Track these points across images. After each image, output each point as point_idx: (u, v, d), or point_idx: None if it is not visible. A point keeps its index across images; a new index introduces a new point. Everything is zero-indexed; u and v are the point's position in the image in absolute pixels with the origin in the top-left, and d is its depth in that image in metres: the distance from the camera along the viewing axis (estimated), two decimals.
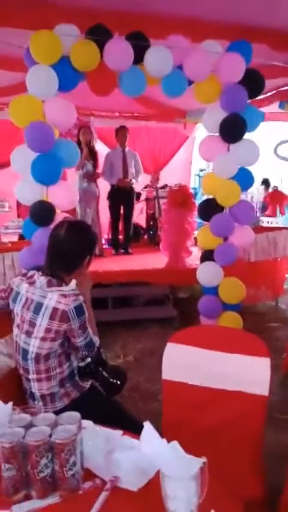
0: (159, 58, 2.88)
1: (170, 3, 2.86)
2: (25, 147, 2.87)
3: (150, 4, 2.90)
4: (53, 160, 2.89)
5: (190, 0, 2.85)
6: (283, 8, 2.97)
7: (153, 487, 1.03)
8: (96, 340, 1.83)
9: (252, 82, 3.09)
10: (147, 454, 1.15)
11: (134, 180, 5.59)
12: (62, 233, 1.78)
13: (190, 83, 3.08)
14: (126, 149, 5.61)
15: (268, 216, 7.75)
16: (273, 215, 8.03)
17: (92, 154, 5.33)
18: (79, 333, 1.69)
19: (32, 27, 2.70)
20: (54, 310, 1.64)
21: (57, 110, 2.88)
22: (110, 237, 5.92)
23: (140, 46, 2.84)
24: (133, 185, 5.63)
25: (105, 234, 6.15)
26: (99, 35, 2.78)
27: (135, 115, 6.54)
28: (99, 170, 5.43)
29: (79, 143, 4.94)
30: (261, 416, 1.57)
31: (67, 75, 2.81)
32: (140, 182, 6.00)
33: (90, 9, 2.89)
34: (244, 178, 3.26)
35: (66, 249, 1.77)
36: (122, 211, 5.74)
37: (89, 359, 1.85)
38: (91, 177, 5.25)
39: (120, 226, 5.95)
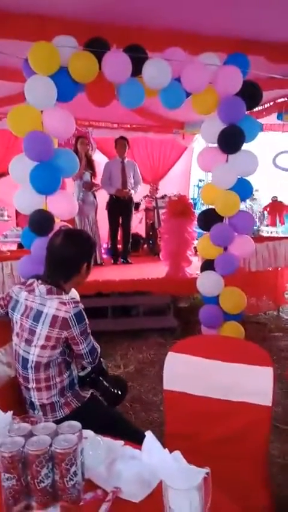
0: (157, 70, 2.91)
1: (168, 17, 2.91)
2: (24, 156, 2.88)
3: (148, 18, 2.94)
4: (51, 169, 2.90)
5: (188, 13, 2.90)
6: (280, 21, 3.01)
7: (156, 498, 1.02)
8: (98, 346, 1.82)
9: (250, 94, 3.12)
10: (149, 464, 1.13)
11: (132, 191, 5.61)
12: (58, 241, 1.79)
13: (188, 94, 3.10)
14: (126, 159, 5.64)
15: (268, 225, 7.77)
16: (273, 225, 8.06)
17: (90, 164, 5.36)
18: (81, 340, 1.69)
19: (31, 38, 2.73)
20: (54, 317, 1.63)
21: (55, 120, 2.89)
22: (110, 246, 5.93)
23: (138, 58, 2.87)
24: (132, 196, 5.65)
25: (104, 244, 6.15)
26: (97, 47, 2.80)
27: (134, 126, 6.59)
28: (98, 180, 5.44)
29: (76, 152, 4.96)
30: (265, 426, 1.54)
31: (66, 86, 2.83)
32: (139, 193, 6.02)
33: (88, 22, 2.93)
34: (243, 188, 3.26)
35: (63, 256, 1.78)
36: (120, 221, 5.76)
37: (89, 368, 1.83)
38: (89, 187, 5.27)
39: (119, 236, 5.96)
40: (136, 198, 6.05)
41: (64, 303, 1.64)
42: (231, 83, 3.04)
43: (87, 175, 5.23)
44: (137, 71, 2.90)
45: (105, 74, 2.84)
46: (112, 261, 5.70)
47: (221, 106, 3.11)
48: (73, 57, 2.77)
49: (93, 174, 5.37)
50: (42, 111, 2.85)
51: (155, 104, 3.26)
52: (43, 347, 1.64)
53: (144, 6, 2.79)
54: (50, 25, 2.87)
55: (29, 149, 2.83)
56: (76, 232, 2.03)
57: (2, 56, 2.85)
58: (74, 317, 1.63)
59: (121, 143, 5.58)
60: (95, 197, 5.39)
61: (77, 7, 2.76)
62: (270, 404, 1.52)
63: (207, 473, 0.97)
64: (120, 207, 5.60)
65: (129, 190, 5.55)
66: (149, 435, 1.16)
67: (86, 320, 1.70)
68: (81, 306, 1.68)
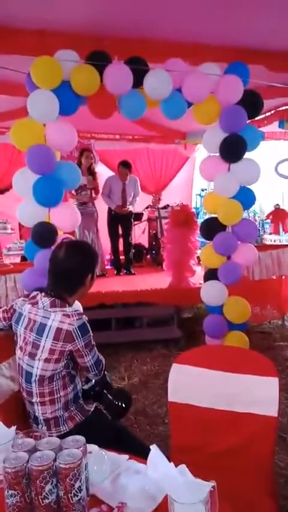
0: (158, 81, 2.93)
1: (168, 28, 2.95)
2: (27, 169, 2.90)
3: (148, 29, 2.98)
4: (54, 182, 2.92)
5: (187, 24, 2.93)
6: (279, 30, 3.05)
7: None
8: (102, 358, 1.81)
9: (251, 103, 3.13)
10: (155, 478, 1.12)
11: (131, 206, 5.67)
12: (61, 254, 1.78)
13: (189, 104, 3.13)
14: (127, 180, 5.64)
15: (271, 233, 7.75)
16: (276, 233, 8.04)
17: (93, 176, 5.38)
18: (86, 352, 1.68)
19: (33, 53, 2.77)
20: (58, 330, 1.62)
21: (58, 133, 2.92)
22: (112, 257, 5.94)
23: (139, 70, 2.90)
24: (130, 208, 5.71)
25: (107, 255, 6.16)
26: (98, 60, 2.84)
27: (136, 137, 6.64)
28: (100, 191, 5.47)
29: (79, 165, 4.98)
30: (271, 437, 1.52)
31: (68, 99, 2.86)
32: (141, 203, 6.06)
33: (89, 34, 2.97)
34: (245, 197, 3.26)
35: (67, 269, 1.77)
36: (120, 231, 5.82)
37: (93, 382, 1.82)
38: (90, 199, 5.29)
39: (121, 247, 5.98)
40: (139, 209, 6.08)
41: (68, 316, 1.64)
42: (232, 93, 3.06)
43: (85, 180, 5.22)
44: (138, 82, 2.93)
45: (107, 87, 2.87)
46: (115, 272, 5.70)
47: (222, 116, 3.13)
48: (75, 71, 2.80)
49: (96, 191, 5.38)
50: (44, 125, 2.88)
51: (157, 115, 3.28)
52: (47, 360, 1.63)
53: (145, 18, 2.84)
54: (51, 39, 2.91)
55: (31, 162, 2.85)
56: (78, 244, 2.03)
57: (5, 70, 2.89)
58: (78, 330, 1.63)
59: (122, 171, 5.54)
60: (95, 208, 5.40)
61: (77, 20, 2.81)
62: (276, 415, 1.50)
63: (213, 487, 0.96)
64: (119, 220, 5.70)
65: (128, 207, 5.62)
66: (154, 449, 1.15)
67: (91, 331, 1.69)
68: (85, 318, 1.67)
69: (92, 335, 1.70)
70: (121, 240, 5.89)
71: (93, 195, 5.34)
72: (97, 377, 1.80)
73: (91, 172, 5.39)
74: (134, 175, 5.91)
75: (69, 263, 1.77)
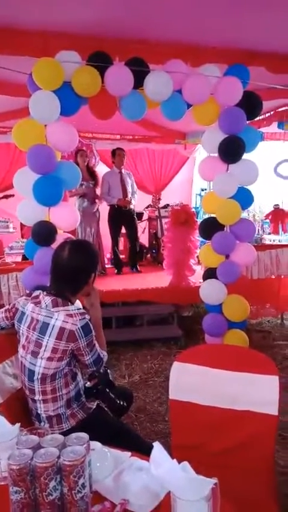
0: (159, 83, 2.95)
1: (169, 29, 2.95)
2: (28, 169, 2.92)
3: (149, 30, 2.99)
4: (54, 181, 2.93)
5: (188, 26, 2.94)
6: (279, 31, 3.06)
7: (164, 510, 1.01)
8: (104, 355, 1.82)
9: (250, 104, 3.16)
10: (157, 475, 1.13)
11: (133, 200, 5.65)
12: (65, 254, 1.78)
13: (189, 105, 3.14)
14: (123, 170, 5.67)
15: (270, 233, 7.76)
16: (276, 233, 8.05)
17: (92, 175, 5.39)
18: (87, 352, 1.70)
19: (35, 54, 2.79)
20: (61, 330, 1.63)
21: (59, 134, 2.93)
22: (113, 256, 5.94)
23: (140, 71, 2.91)
24: (132, 206, 5.69)
25: (108, 254, 6.17)
26: (100, 61, 2.85)
27: (136, 137, 6.64)
28: (98, 191, 5.48)
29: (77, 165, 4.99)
30: (271, 435, 1.54)
31: (69, 100, 2.88)
32: (141, 203, 6.05)
33: (90, 36, 2.98)
34: (244, 197, 3.29)
35: (72, 269, 1.78)
36: (122, 231, 5.81)
37: (96, 380, 1.83)
38: (91, 197, 5.30)
39: (121, 246, 5.97)
40: (139, 208, 6.08)
41: (71, 315, 1.65)
42: (231, 95, 3.08)
43: (88, 185, 5.25)
44: (138, 83, 2.94)
45: (108, 88, 2.89)
46: (116, 271, 5.71)
47: (222, 117, 3.14)
48: (76, 73, 2.81)
49: (96, 185, 5.40)
50: (46, 125, 2.89)
51: (157, 115, 3.30)
52: (49, 359, 1.65)
53: (145, 20, 2.85)
54: (53, 40, 2.92)
55: (32, 162, 2.87)
56: (82, 243, 2.02)
57: (7, 71, 2.90)
58: (81, 329, 1.64)
59: (119, 153, 5.59)
60: (97, 207, 5.41)
61: (79, 21, 2.81)
62: (276, 413, 1.52)
63: (215, 484, 0.97)
64: (122, 218, 5.63)
65: (131, 199, 5.59)
66: (157, 446, 1.16)
67: (93, 331, 1.70)
68: (87, 317, 1.69)
69: (94, 334, 1.72)
70: (121, 239, 5.89)
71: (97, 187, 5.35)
72: (96, 373, 1.82)
73: (90, 171, 5.39)
74: (133, 174, 5.93)
75: (73, 263, 1.77)
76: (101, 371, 1.82)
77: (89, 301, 1.91)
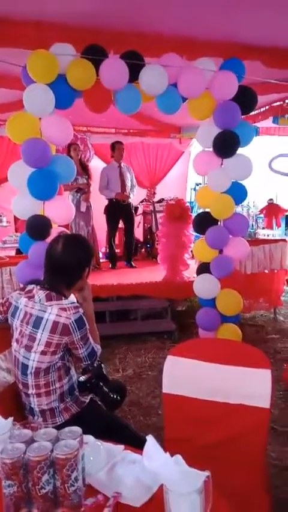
0: (154, 77, 2.93)
1: (164, 22, 2.93)
2: (22, 163, 2.90)
3: (144, 23, 2.97)
4: (49, 175, 2.92)
5: (184, 19, 2.92)
6: (275, 26, 3.05)
7: (157, 502, 1.02)
8: (98, 348, 1.83)
9: (245, 99, 3.14)
10: (150, 468, 1.14)
11: (131, 195, 5.62)
12: (59, 248, 1.77)
13: (184, 99, 3.13)
14: (122, 164, 5.66)
15: (264, 228, 7.79)
16: (270, 227, 8.08)
17: (85, 169, 5.37)
18: (81, 345, 1.70)
19: (29, 46, 2.75)
20: (55, 324, 1.63)
21: (53, 127, 2.91)
22: (108, 250, 5.93)
23: (135, 65, 2.89)
24: (130, 201, 5.67)
25: (102, 248, 6.15)
26: (94, 54, 2.83)
27: (131, 131, 6.61)
28: (95, 186, 5.45)
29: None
30: (263, 429, 1.56)
31: (63, 93, 2.85)
32: (136, 197, 6.03)
33: (85, 28, 2.95)
34: (237, 192, 3.29)
35: (65, 263, 1.77)
36: (119, 225, 5.78)
37: (89, 374, 1.84)
38: (85, 192, 5.28)
39: (117, 240, 5.96)
40: (134, 203, 6.06)
41: (64, 309, 1.65)
42: (226, 89, 3.07)
43: (82, 180, 5.23)
44: (133, 77, 2.92)
45: (103, 82, 2.87)
46: (110, 266, 5.70)
47: (217, 112, 3.13)
48: (71, 66, 2.79)
49: (89, 179, 5.37)
50: (40, 118, 2.86)
51: (152, 109, 3.28)
52: (43, 353, 1.65)
53: (141, 12, 2.82)
54: (48, 32, 2.88)
55: (26, 155, 2.85)
56: (75, 238, 2.02)
57: (1, 64, 2.87)
58: (74, 323, 1.64)
59: (118, 147, 5.60)
60: (90, 203, 5.38)
61: (74, 13, 2.78)
62: (268, 407, 1.53)
63: (207, 477, 0.98)
64: (120, 212, 5.61)
65: (129, 193, 5.57)
66: (150, 439, 1.17)
67: (87, 324, 1.71)
68: (81, 311, 1.69)
69: (88, 327, 1.72)
70: (117, 234, 5.88)
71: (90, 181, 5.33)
72: (89, 367, 1.82)
73: (83, 165, 5.37)
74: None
75: (67, 257, 1.77)
76: (95, 364, 1.83)
77: (82, 295, 1.91)
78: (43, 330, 1.65)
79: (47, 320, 1.65)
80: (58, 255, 1.77)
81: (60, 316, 1.64)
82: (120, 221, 5.76)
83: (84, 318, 1.69)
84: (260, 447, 1.57)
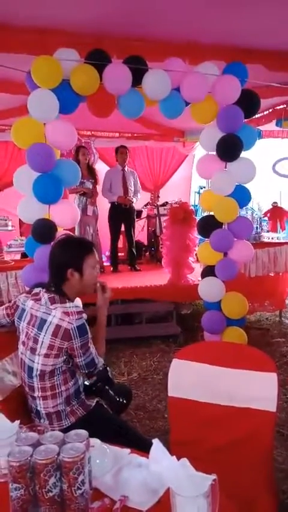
0: (157, 81, 2.95)
1: (167, 27, 2.95)
2: (27, 167, 2.92)
3: (147, 28, 2.99)
4: (54, 179, 2.94)
5: (186, 24, 2.94)
6: (277, 29, 3.05)
7: (163, 506, 1.02)
8: (100, 361, 1.79)
9: (248, 103, 3.16)
10: (157, 472, 1.14)
11: (134, 199, 5.64)
12: (52, 249, 1.86)
13: (187, 103, 3.14)
14: (126, 168, 5.68)
15: (269, 231, 7.79)
16: (274, 230, 8.07)
17: (92, 173, 5.39)
18: (80, 353, 1.68)
19: (33, 52, 2.78)
20: (57, 327, 1.64)
21: (58, 132, 2.93)
22: (110, 254, 5.94)
23: (138, 69, 2.91)
24: (133, 204, 5.68)
25: (106, 251, 6.17)
26: (98, 59, 2.85)
27: (135, 135, 6.64)
28: (99, 188, 5.47)
29: (77, 162, 4.98)
30: (269, 432, 1.55)
31: (67, 98, 2.87)
32: (140, 201, 6.05)
33: (89, 33, 2.97)
34: (241, 195, 3.30)
35: (51, 265, 1.84)
36: (122, 229, 5.79)
37: (95, 378, 1.83)
38: (91, 196, 5.30)
39: (121, 244, 5.97)
40: (138, 206, 6.08)
41: (68, 313, 1.65)
42: (229, 93, 3.08)
43: (88, 184, 5.26)
44: (137, 81, 2.94)
45: (106, 87, 2.89)
46: (112, 269, 5.69)
47: (220, 116, 3.15)
48: (75, 71, 2.81)
49: (95, 183, 5.40)
50: (44, 124, 2.89)
51: (155, 113, 3.30)
52: (46, 356, 1.65)
53: (144, 17, 2.84)
54: (51, 37, 2.91)
55: (31, 160, 2.87)
56: (63, 240, 1.96)
57: (5, 69, 2.90)
58: (76, 329, 1.64)
59: (122, 151, 5.63)
60: (96, 207, 5.41)
61: (77, 19, 2.81)
62: (274, 410, 1.52)
63: (214, 480, 0.98)
64: (122, 215, 5.62)
65: (131, 197, 5.59)
66: (156, 442, 1.16)
67: (89, 333, 1.70)
68: (84, 317, 1.68)
69: (90, 336, 1.71)
70: (121, 237, 5.89)
71: (96, 185, 5.35)
72: (88, 375, 1.80)
73: (90, 169, 5.39)
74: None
75: (52, 259, 1.83)
76: (100, 368, 1.83)
77: (103, 298, 1.98)
78: (46, 333, 1.65)
79: (51, 322, 1.65)
80: (51, 255, 1.84)
81: (63, 320, 1.64)
82: (123, 225, 5.77)
83: (87, 326, 1.69)
84: (266, 450, 1.56)
